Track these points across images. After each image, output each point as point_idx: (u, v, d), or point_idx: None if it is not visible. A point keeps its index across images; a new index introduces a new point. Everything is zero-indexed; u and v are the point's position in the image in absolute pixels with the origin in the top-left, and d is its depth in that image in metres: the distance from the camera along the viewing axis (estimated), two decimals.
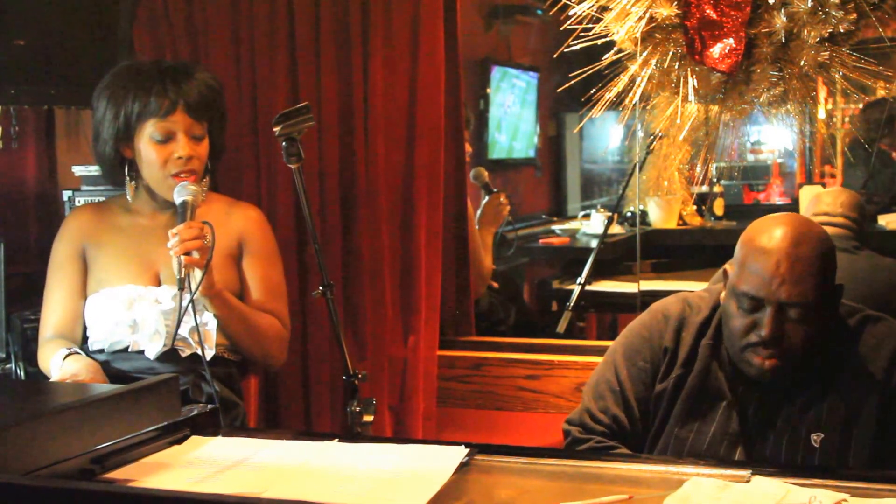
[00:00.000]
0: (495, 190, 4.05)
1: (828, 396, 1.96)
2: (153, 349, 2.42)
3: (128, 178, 2.51)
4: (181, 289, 2.25)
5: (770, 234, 1.93)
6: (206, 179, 2.56)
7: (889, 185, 5.14)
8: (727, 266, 2.04)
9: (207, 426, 1.82)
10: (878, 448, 1.93)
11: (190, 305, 2.28)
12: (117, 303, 2.44)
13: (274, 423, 3.14)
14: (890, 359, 1.96)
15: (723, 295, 2.03)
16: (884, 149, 5.21)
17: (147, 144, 2.44)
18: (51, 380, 2.38)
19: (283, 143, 2.28)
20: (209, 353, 2.42)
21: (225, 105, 2.62)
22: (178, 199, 2.38)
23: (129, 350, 2.44)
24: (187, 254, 2.26)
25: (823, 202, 3.07)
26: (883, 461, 1.93)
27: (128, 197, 2.53)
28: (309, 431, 3.08)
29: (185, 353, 2.44)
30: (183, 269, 2.25)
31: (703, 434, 2.01)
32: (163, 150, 2.43)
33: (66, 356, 2.37)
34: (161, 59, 2.59)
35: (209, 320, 2.44)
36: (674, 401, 2.04)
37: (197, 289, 2.29)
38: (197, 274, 2.29)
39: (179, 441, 1.74)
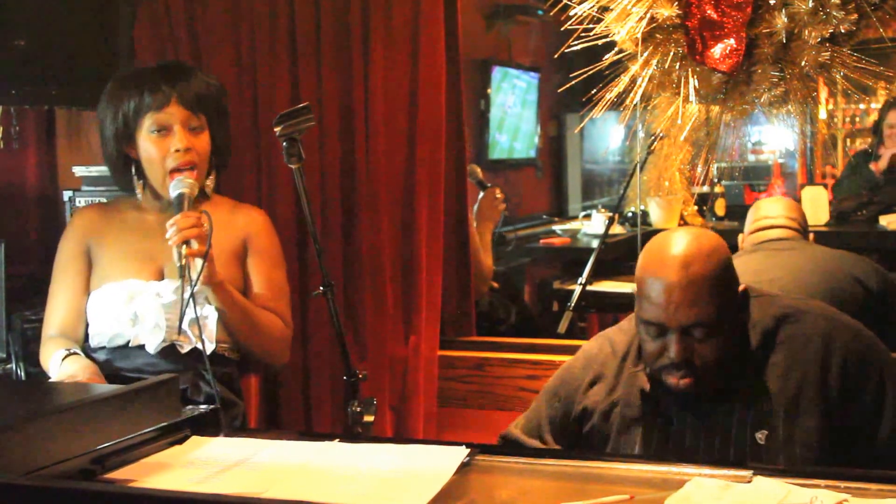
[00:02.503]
0: (489, 185, 4.05)
1: (763, 395, 1.97)
2: (153, 342, 2.43)
3: (135, 178, 2.54)
4: (182, 276, 2.26)
5: (660, 259, 1.95)
6: (213, 176, 2.57)
7: (868, 184, 5.15)
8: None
9: (208, 426, 1.82)
10: (827, 439, 1.93)
11: (191, 298, 2.29)
12: (118, 297, 2.46)
13: (274, 423, 3.14)
14: (821, 352, 1.97)
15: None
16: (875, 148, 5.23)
17: (146, 139, 2.47)
18: (50, 380, 2.38)
19: (284, 144, 2.28)
20: (209, 347, 2.43)
21: (226, 104, 2.63)
22: (173, 193, 2.41)
23: (130, 345, 2.45)
24: (186, 244, 2.28)
25: (763, 209, 3.15)
26: (835, 450, 1.93)
27: (138, 195, 2.56)
28: (310, 431, 3.08)
29: (185, 348, 2.45)
30: (182, 258, 2.26)
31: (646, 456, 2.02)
32: (161, 143, 2.45)
33: (65, 357, 2.38)
34: (162, 60, 2.61)
35: (209, 313, 2.45)
36: (606, 431, 2.08)
37: (198, 278, 2.30)
38: (197, 264, 2.30)
39: (180, 441, 1.74)
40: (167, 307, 2.43)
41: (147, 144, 2.47)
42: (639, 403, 2.05)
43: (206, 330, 2.43)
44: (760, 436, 1.95)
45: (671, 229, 2.06)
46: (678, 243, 1.95)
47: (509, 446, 2.17)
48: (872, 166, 5.16)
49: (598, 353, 2.16)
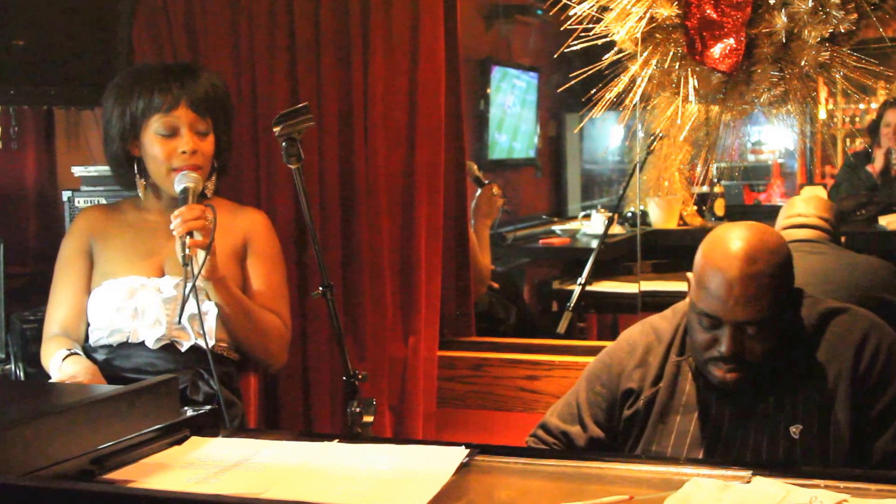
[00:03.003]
0: (487, 182, 4.05)
1: (801, 389, 1.99)
2: (153, 337, 2.43)
3: (138, 177, 2.54)
4: (185, 265, 2.28)
5: (724, 252, 1.94)
6: (213, 178, 2.58)
7: (866, 186, 5.14)
8: (689, 274, 2.06)
9: (207, 427, 1.82)
10: (856, 433, 1.96)
11: (192, 290, 2.29)
12: (119, 292, 2.47)
13: (274, 424, 3.14)
14: (856, 346, 2.00)
15: (686, 302, 2.06)
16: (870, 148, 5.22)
17: (152, 140, 2.47)
18: (50, 380, 2.38)
19: (283, 144, 2.28)
20: (209, 343, 2.43)
21: (231, 106, 2.65)
22: (178, 187, 2.42)
23: (129, 341, 2.45)
24: (190, 235, 2.29)
25: (797, 206, 3.13)
26: (862, 446, 1.96)
27: (140, 195, 2.56)
28: (309, 432, 3.08)
29: (184, 346, 2.45)
30: (186, 249, 2.28)
31: (680, 445, 2.04)
32: (167, 144, 2.46)
33: (66, 357, 2.38)
34: (168, 61, 2.62)
35: (209, 309, 2.45)
36: (647, 419, 2.09)
37: (200, 270, 2.31)
38: (200, 257, 2.32)
39: (179, 442, 1.74)
40: (167, 302, 2.44)
41: (153, 145, 2.47)
42: (680, 394, 2.06)
43: (205, 325, 2.43)
44: (795, 430, 1.96)
45: (734, 223, 2.04)
46: (744, 237, 1.95)
47: (549, 434, 2.19)
48: (869, 168, 5.16)
49: (642, 339, 2.16)
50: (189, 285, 2.26)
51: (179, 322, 2.40)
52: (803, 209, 3.09)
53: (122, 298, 2.46)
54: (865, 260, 2.99)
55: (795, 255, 2.94)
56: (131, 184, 2.57)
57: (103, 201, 2.93)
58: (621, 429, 2.13)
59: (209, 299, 2.46)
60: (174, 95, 2.46)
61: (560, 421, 2.20)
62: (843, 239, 3.10)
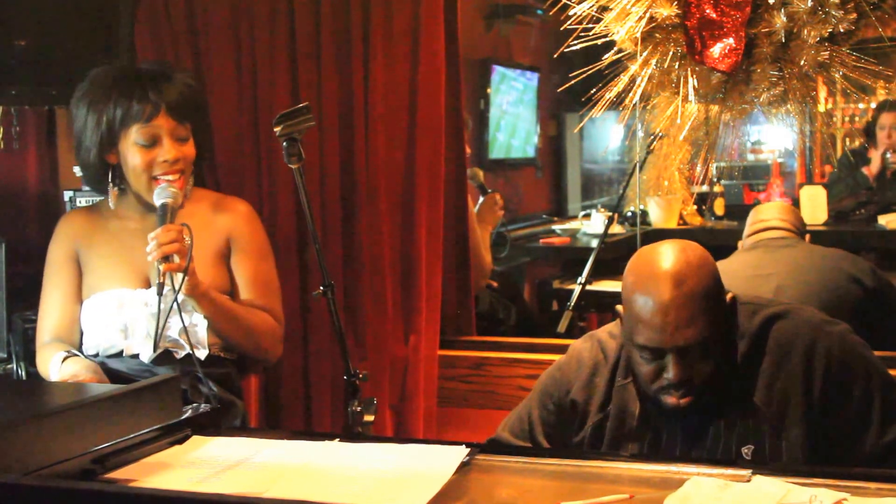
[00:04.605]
0: (490, 190, 4.07)
1: (749, 407, 1.92)
2: (146, 352, 2.42)
3: (111, 185, 2.49)
4: (159, 294, 2.25)
5: (651, 281, 1.86)
6: (191, 179, 2.53)
7: (859, 187, 5.15)
8: (618, 307, 2.00)
9: (208, 426, 1.83)
10: (811, 448, 1.89)
11: (177, 307, 2.28)
12: (107, 307, 2.44)
13: (274, 423, 3.14)
14: (804, 357, 1.91)
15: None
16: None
17: (132, 149, 2.42)
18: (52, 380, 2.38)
19: (284, 144, 2.28)
20: (202, 354, 2.43)
21: (206, 103, 2.62)
22: (157, 202, 2.38)
23: (124, 355, 2.44)
24: (166, 259, 2.26)
25: (763, 213, 3.19)
26: (819, 460, 1.89)
27: (110, 204, 2.51)
28: (310, 431, 3.09)
29: (180, 354, 2.44)
30: (161, 276, 2.24)
31: None
32: (148, 154, 2.42)
33: (65, 358, 2.37)
34: (135, 63, 2.56)
35: (199, 322, 2.43)
36: (597, 447, 2.02)
37: (180, 290, 2.28)
38: (178, 277, 2.28)
39: (180, 441, 1.74)
40: (155, 316, 2.39)
41: (133, 155, 2.42)
42: (630, 419, 1.99)
43: (196, 338, 2.42)
44: (747, 451, 1.90)
45: (652, 245, 1.96)
46: (666, 258, 1.87)
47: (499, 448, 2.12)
48: (865, 171, 5.15)
49: (589, 356, 2.10)
50: (170, 304, 2.25)
51: (155, 348, 2.38)
52: (767, 214, 3.17)
53: (111, 314, 2.43)
54: (832, 250, 3.06)
55: (764, 250, 3.00)
56: (104, 191, 2.52)
57: (84, 205, 2.90)
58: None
59: (197, 311, 2.43)
60: (153, 104, 2.40)
61: (511, 436, 2.14)
62: (807, 238, 3.14)
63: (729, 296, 1.95)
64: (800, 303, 2.27)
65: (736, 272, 2.81)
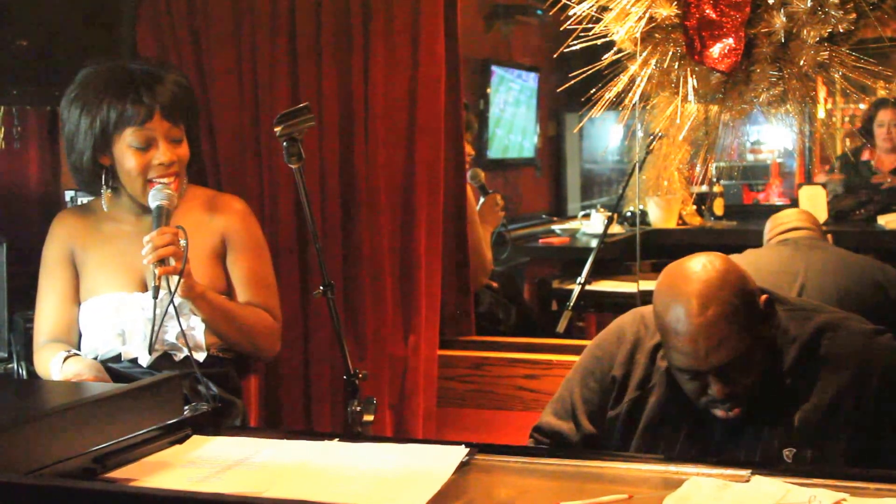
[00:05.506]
0: (491, 191, 4.08)
1: (795, 410, 1.92)
2: (145, 356, 2.41)
3: (104, 188, 2.46)
4: (155, 297, 2.23)
5: (677, 308, 1.86)
6: (185, 180, 2.51)
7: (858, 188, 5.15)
8: (648, 315, 2.01)
9: (208, 426, 1.83)
10: (856, 457, 1.88)
11: (174, 310, 2.27)
12: (104, 310, 2.44)
13: (274, 423, 3.14)
14: (857, 368, 1.92)
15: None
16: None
17: (126, 152, 2.40)
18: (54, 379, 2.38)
19: (284, 144, 2.29)
20: (201, 356, 2.42)
21: (197, 100, 2.59)
22: (152, 204, 2.36)
23: (122, 360, 2.43)
24: (162, 262, 2.25)
25: (781, 217, 3.19)
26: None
27: (104, 206, 2.48)
28: (309, 431, 3.09)
29: (178, 357, 2.43)
30: (157, 279, 2.23)
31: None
32: (142, 157, 2.39)
33: (66, 358, 2.36)
34: (126, 62, 2.52)
35: (196, 324, 2.43)
36: (631, 425, 2.02)
37: (175, 292, 2.27)
38: (174, 280, 2.26)
39: (181, 440, 1.75)
40: (152, 321, 2.36)
41: (127, 158, 2.40)
42: (671, 404, 1.98)
43: (194, 341, 2.41)
44: (788, 453, 1.90)
45: (676, 264, 1.95)
46: (687, 281, 1.87)
47: (545, 435, 2.11)
48: (874, 180, 5.13)
49: (632, 329, 2.08)
50: (165, 307, 2.25)
51: (151, 351, 2.37)
52: (791, 216, 3.17)
53: (108, 318, 2.42)
54: (860, 256, 3.05)
55: (792, 248, 2.99)
56: (97, 193, 2.50)
57: (77, 204, 2.90)
58: (611, 429, 2.05)
59: (194, 314, 2.42)
60: (147, 106, 2.37)
61: (554, 417, 2.12)
62: (829, 238, 3.15)
63: (763, 298, 1.94)
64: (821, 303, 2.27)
65: (763, 266, 2.79)
